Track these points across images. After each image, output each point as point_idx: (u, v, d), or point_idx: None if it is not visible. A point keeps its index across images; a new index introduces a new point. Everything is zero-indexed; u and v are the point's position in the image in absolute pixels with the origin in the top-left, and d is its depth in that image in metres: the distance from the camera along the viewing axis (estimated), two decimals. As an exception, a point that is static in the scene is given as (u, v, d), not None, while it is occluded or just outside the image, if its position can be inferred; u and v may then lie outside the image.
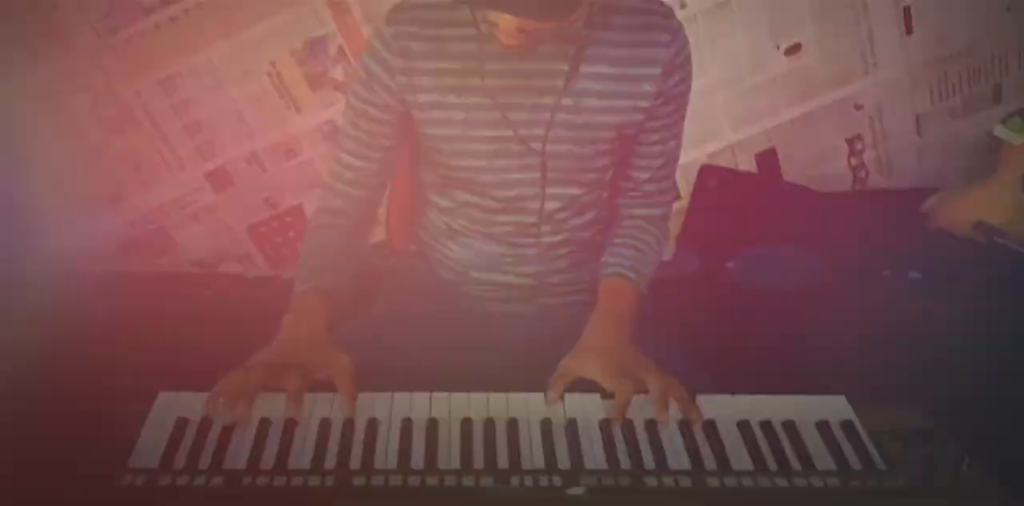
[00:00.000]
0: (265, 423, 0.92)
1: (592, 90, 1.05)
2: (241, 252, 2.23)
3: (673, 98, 1.10)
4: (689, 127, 2.09)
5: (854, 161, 2.24)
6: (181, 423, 0.91)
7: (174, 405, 0.94)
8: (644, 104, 1.07)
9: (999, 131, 1.92)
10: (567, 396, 0.97)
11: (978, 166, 2.13)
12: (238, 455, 0.87)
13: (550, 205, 1.13)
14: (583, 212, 1.17)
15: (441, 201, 1.19)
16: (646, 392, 0.95)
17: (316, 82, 1.97)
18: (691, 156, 2.14)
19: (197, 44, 1.91)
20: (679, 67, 1.08)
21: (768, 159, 2.22)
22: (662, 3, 1.08)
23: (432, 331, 1.17)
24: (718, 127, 2.14)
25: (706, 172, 1.95)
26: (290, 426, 0.91)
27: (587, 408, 0.95)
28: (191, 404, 0.94)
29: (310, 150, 2.07)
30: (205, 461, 0.86)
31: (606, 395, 0.96)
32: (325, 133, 2.04)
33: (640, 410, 0.95)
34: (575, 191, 1.13)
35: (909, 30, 2.03)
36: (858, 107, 2.16)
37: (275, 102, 1.99)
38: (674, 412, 0.94)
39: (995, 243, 1.86)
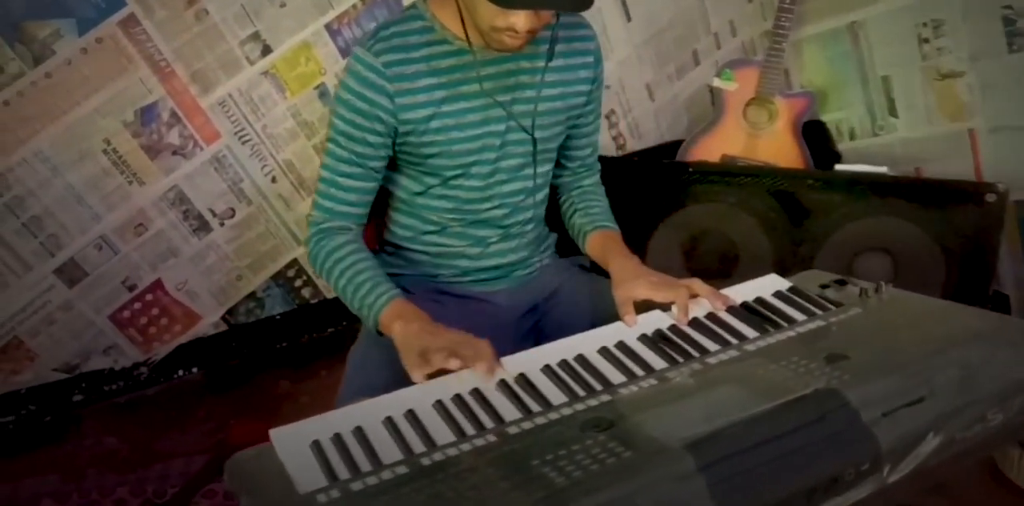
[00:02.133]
0: (390, 421, 0.97)
1: (548, 81, 1.21)
2: (107, 344, 2.06)
3: (601, 82, 1.30)
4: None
5: (613, 132, 2.59)
6: (316, 445, 0.94)
7: (292, 437, 0.95)
8: (585, 88, 1.25)
9: (716, 82, 2.34)
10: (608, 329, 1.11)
11: (698, 116, 2.58)
12: (389, 450, 0.92)
13: (523, 185, 1.27)
14: (543, 187, 1.33)
15: (427, 201, 1.26)
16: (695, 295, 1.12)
17: (153, 150, 1.89)
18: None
19: (22, 135, 1.75)
20: (601, 55, 1.28)
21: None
22: None
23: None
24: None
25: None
26: (412, 417, 0.97)
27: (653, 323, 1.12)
28: (308, 431, 0.96)
29: (160, 220, 1.98)
30: (364, 464, 0.90)
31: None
32: (171, 200, 1.96)
33: (659, 321, 1.13)
34: (540, 169, 1.29)
35: (629, 18, 2.41)
36: (607, 87, 2.51)
37: (116, 179, 1.89)
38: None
39: (740, 167, 2.28)
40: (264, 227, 2.10)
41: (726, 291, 1.20)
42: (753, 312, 1.15)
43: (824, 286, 1.20)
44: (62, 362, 2.02)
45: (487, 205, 1.27)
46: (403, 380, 1.03)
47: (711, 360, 1.02)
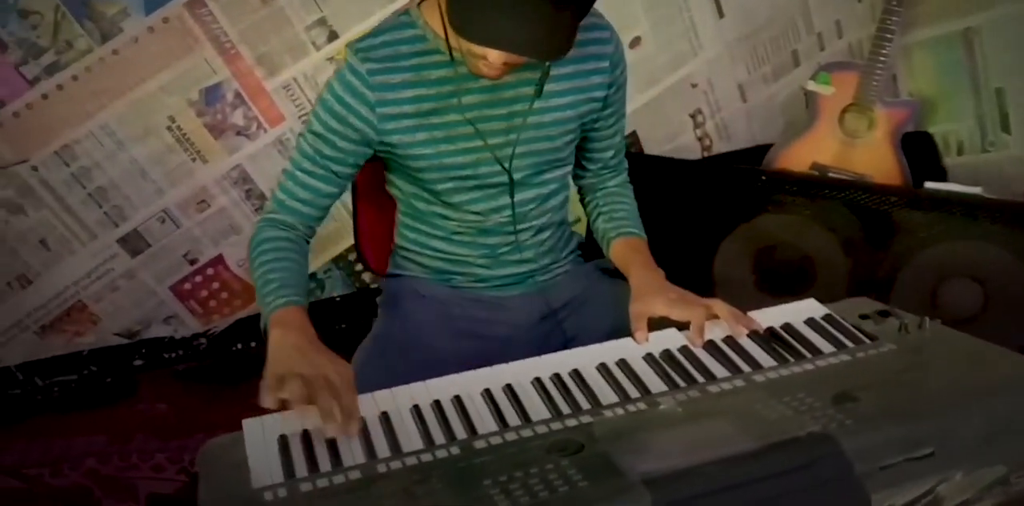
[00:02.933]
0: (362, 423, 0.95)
1: (555, 90, 1.16)
2: (167, 313, 2.16)
3: (621, 84, 1.24)
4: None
5: (699, 132, 2.49)
6: (283, 439, 0.94)
7: (264, 428, 0.96)
8: (599, 94, 1.20)
9: (811, 85, 2.21)
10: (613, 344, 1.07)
11: (794, 120, 2.45)
12: (353, 452, 0.91)
13: (533, 193, 1.23)
14: (559, 193, 1.28)
15: (432, 209, 1.24)
16: (713, 316, 1.07)
17: (217, 130, 1.96)
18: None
19: (90, 109, 1.85)
20: (621, 58, 1.22)
21: (633, 142, 2.44)
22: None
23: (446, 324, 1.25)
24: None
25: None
26: (387, 420, 0.96)
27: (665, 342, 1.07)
28: (279, 425, 0.95)
29: (222, 198, 2.04)
30: (325, 464, 0.89)
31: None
32: (234, 179, 2.02)
33: (671, 340, 1.07)
34: (549, 176, 1.24)
35: (721, 14, 2.31)
36: (693, 85, 2.42)
37: (180, 155, 1.96)
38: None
39: (831, 178, 2.15)
40: (326, 211, 2.14)
41: (755, 314, 1.12)
42: (777, 339, 1.07)
43: (864, 316, 1.11)
44: (123, 328, 2.13)
45: (494, 216, 1.23)
46: (399, 383, 1.01)
47: (712, 388, 0.96)
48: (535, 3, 0.93)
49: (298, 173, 1.17)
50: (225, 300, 2.20)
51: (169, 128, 1.92)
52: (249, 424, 0.96)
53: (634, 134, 2.40)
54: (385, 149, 1.16)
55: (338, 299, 2.28)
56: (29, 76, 1.78)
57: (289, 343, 1.00)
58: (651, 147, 2.44)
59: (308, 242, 1.21)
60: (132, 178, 1.95)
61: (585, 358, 1.05)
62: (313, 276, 2.23)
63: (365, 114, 1.12)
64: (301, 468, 0.89)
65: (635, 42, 2.25)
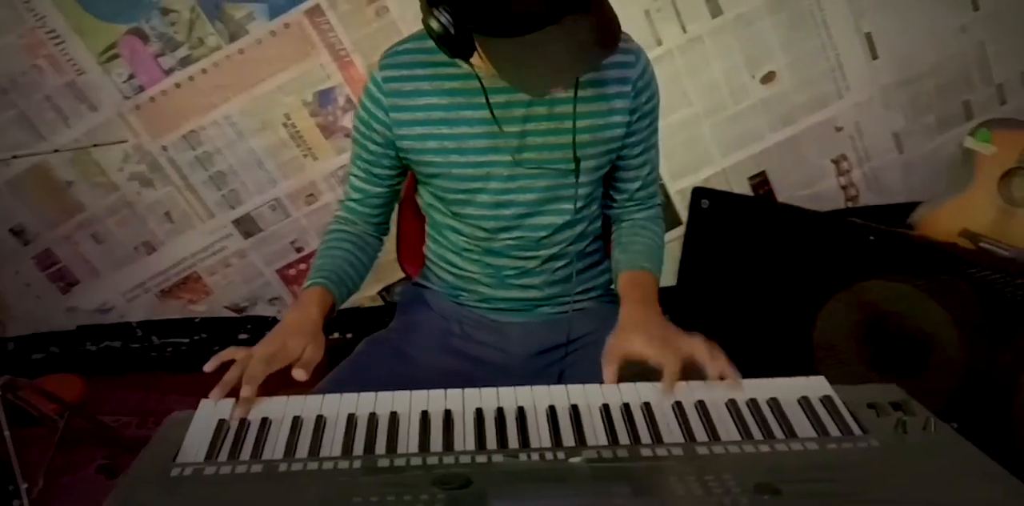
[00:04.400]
0: (298, 421, 1.00)
1: (570, 112, 1.14)
2: (272, 295, 2.33)
3: (646, 114, 1.21)
4: (682, 154, 2.22)
5: (843, 180, 2.33)
6: (221, 424, 1.00)
7: (215, 410, 1.03)
8: (619, 119, 1.17)
9: (969, 143, 2.00)
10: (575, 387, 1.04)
11: (961, 177, 2.22)
12: (275, 447, 0.96)
13: (546, 220, 1.22)
14: (577, 224, 1.26)
15: (446, 221, 1.28)
16: (691, 360, 1.02)
17: (328, 130, 2.10)
18: (688, 182, 2.24)
19: (215, 100, 2.05)
20: (647, 85, 1.19)
21: (761, 182, 2.33)
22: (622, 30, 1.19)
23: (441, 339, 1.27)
24: (709, 154, 2.25)
25: (698, 193, 2.03)
26: (320, 423, 1.00)
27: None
28: (228, 409, 1.02)
29: (328, 194, 2.19)
30: (246, 453, 0.95)
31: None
32: (340, 177, 2.16)
33: (637, 393, 1.03)
34: (566, 206, 1.22)
35: (874, 55, 2.14)
36: (838, 129, 2.26)
37: (292, 151, 2.12)
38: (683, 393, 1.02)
39: (981, 248, 1.93)
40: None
41: (751, 383, 1.05)
42: (755, 413, 0.99)
43: (872, 405, 1.00)
44: (232, 302, 2.33)
45: (503, 236, 1.23)
46: (371, 387, 1.05)
47: (645, 452, 0.91)
48: (561, 29, 0.93)
49: (350, 176, 1.29)
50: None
51: (284, 124, 2.08)
52: (204, 404, 1.04)
53: (763, 175, 2.29)
54: (403, 154, 1.21)
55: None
56: (165, 66, 2.01)
57: (284, 321, 1.12)
58: (784, 190, 2.31)
59: (375, 236, 1.32)
60: (249, 166, 2.13)
61: (540, 398, 1.03)
62: (408, 278, 2.31)
63: (382, 118, 1.17)
64: (224, 453, 0.95)
65: (768, 77, 2.15)
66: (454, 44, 0.99)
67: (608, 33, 0.97)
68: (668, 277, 2.10)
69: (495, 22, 0.95)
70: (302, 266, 2.30)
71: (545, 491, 0.84)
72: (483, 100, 1.12)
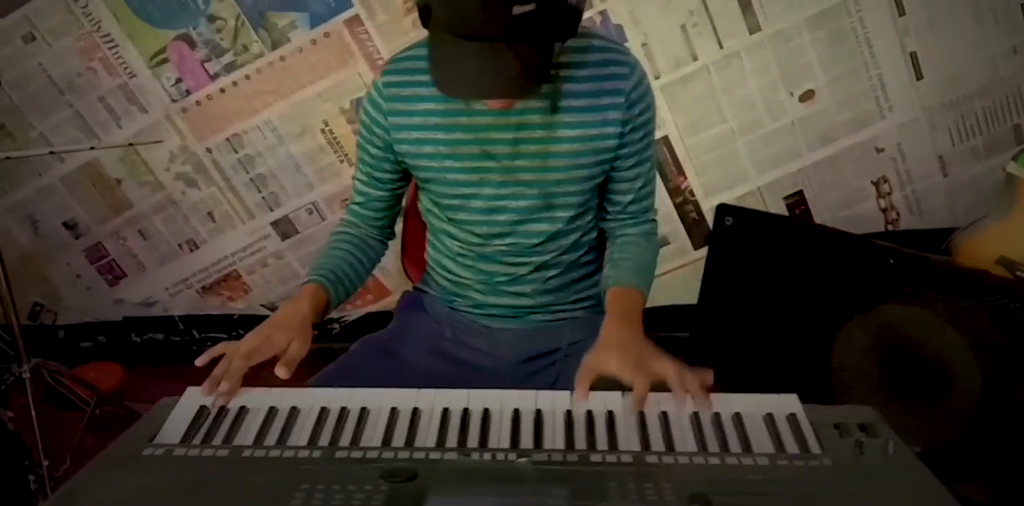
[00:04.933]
0: (273, 411, 1.05)
1: (564, 122, 1.18)
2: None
3: (640, 126, 1.22)
4: (716, 171, 2.22)
5: (883, 203, 2.28)
6: (202, 410, 1.06)
7: (199, 397, 1.09)
8: (612, 129, 1.19)
9: (1012, 168, 1.94)
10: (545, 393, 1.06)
11: (1003, 204, 2.15)
12: (246, 434, 1.01)
13: (538, 227, 1.25)
14: (570, 234, 1.28)
15: (442, 226, 1.32)
16: (662, 381, 1.03)
17: (364, 138, 2.18)
18: (722, 200, 2.23)
19: (257, 105, 2.14)
20: (640, 97, 1.20)
21: (797, 202, 2.30)
22: (619, 43, 1.22)
23: (433, 343, 1.31)
24: (744, 171, 2.24)
25: (722, 210, 2.02)
26: (294, 414, 1.05)
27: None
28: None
29: (362, 199, 2.26)
30: (219, 439, 1.00)
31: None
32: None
33: (603, 403, 1.05)
34: (559, 214, 1.25)
35: (919, 75, 2.10)
36: (879, 150, 2.22)
37: (330, 156, 2.20)
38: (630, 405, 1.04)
39: (1018, 277, 1.87)
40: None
41: (719, 397, 1.05)
42: (717, 426, 1.00)
43: (838, 426, 0.99)
44: (269, 301, 2.43)
45: (496, 242, 1.26)
46: (357, 384, 1.10)
47: (596, 458, 0.93)
48: (493, 49, 0.98)
49: (355, 180, 1.34)
50: (358, 293, 2.41)
51: (322, 130, 2.17)
52: (190, 391, 1.10)
53: (800, 194, 2.27)
54: (401, 158, 1.26)
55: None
56: (211, 71, 2.12)
57: (274, 315, 1.18)
58: (822, 211, 2.28)
59: (378, 239, 1.37)
60: (288, 170, 2.22)
61: (508, 401, 1.05)
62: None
63: (382, 122, 1.22)
64: (199, 437, 1.00)
65: (807, 95, 2.13)
66: (424, 18, 1.05)
67: (531, 73, 1.01)
68: (691, 295, 2.09)
69: (440, 13, 1.01)
70: (338, 268, 2.38)
71: (484, 489, 0.86)
72: (478, 107, 1.16)
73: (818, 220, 2.30)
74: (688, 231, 2.34)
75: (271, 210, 2.28)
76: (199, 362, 1.11)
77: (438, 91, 1.03)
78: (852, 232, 2.02)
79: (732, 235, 2.02)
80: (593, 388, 1.06)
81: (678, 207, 2.31)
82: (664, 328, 2.43)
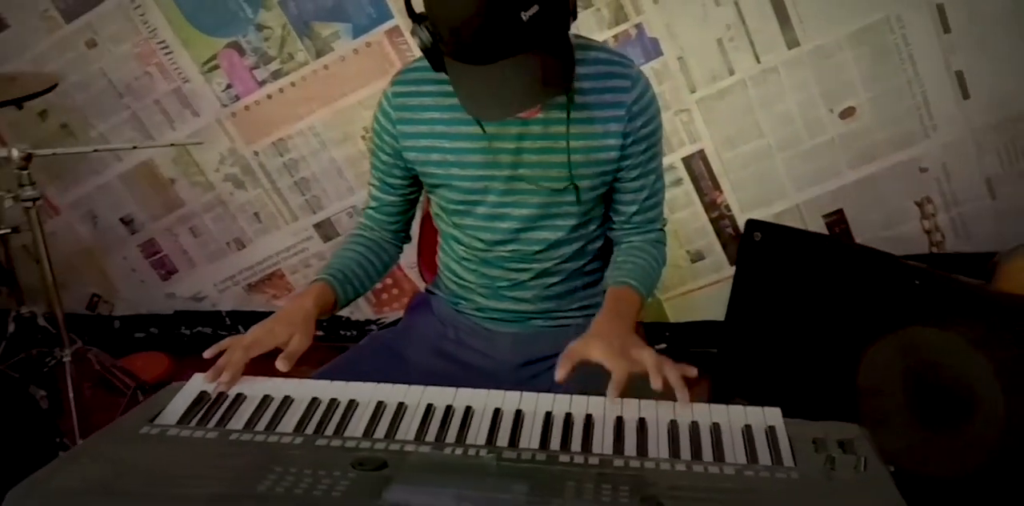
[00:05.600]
0: (267, 399, 1.10)
1: (563, 132, 1.19)
2: (347, 297, 2.49)
3: (643, 138, 1.23)
4: (753, 187, 2.20)
5: (927, 224, 2.22)
6: (202, 396, 1.11)
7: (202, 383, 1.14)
8: (613, 141, 1.21)
9: (1060, 191, 1.88)
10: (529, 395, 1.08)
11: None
12: (239, 419, 1.05)
13: (541, 235, 1.27)
14: (573, 242, 1.30)
15: (449, 231, 1.35)
16: (644, 371, 1.04)
17: (403, 145, 2.23)
18: (759, 215, 2.20)
19: (302, 112, 2.22)
20: (643, 110, 1.21)
21: (837, 220, 2.26)
22: (622, 55, 1.24)
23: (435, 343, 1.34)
24: (782, 187, 2.21)
25: (751, 225, 2.00)
26: (286, 403, 1.09)
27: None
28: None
29: (399, 205, 2.32)
30: (213, 422, 1.05)
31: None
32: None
33: (585, 405, 1.06)
34: (561, 222, 1.27)
35: (966, 94, 2.04)
36: (923, 169, 2.16)
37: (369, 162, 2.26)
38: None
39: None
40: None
41: (702, 407, 1.05)
42: (694, 435, 1.00)
43: (816, 441, 0.98)
44: (325, 318, 2.49)
45: (499, 248, 1.29)
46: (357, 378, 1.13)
47: (564, 458, 0.95)
48: (515, 62, 1.01)
49: (369, 185, 1.39)
50: (395, 296, 2.47)
51: (363, 137, 2.23)
52: (196, 377, 1.16)
53: (840, 213, 2.22)
54: (410, 165, 1.29)
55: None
56: (259, 78, 2.20)
57: (279, 310, 1.22)
58: (862, 231, 2.23)
59: (392, 243, 1.41)
60: (330, 175, 2.29)
61: (492, 401, 1.08)
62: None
63: (391, 130, 1.27)
64: (195, 420, 1.05)
65: (847, 112, 2.09)
66: (433, 58, 1.07)
67: (556, 74, 1.03)
68: (716, 312, 2.07)
69: (454, 47, 1.04)
70: (375, 272, 2.44)
71: (446, 481, 0.88)
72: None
73: (859, 240, 2.25)
74: (723, 246, 2.32)
75: (314, 213, 2.35)
76: (207, 354, 1.16)
77: (484, 119, 1.10)
78: (894, 253, 1.98)
79: (761, 251, 2.00)
80: (584, 392, 1.08)
81: (714, 222, 2.29)
82: (698, 344, 2.42)
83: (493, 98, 1.04)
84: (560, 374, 1.06)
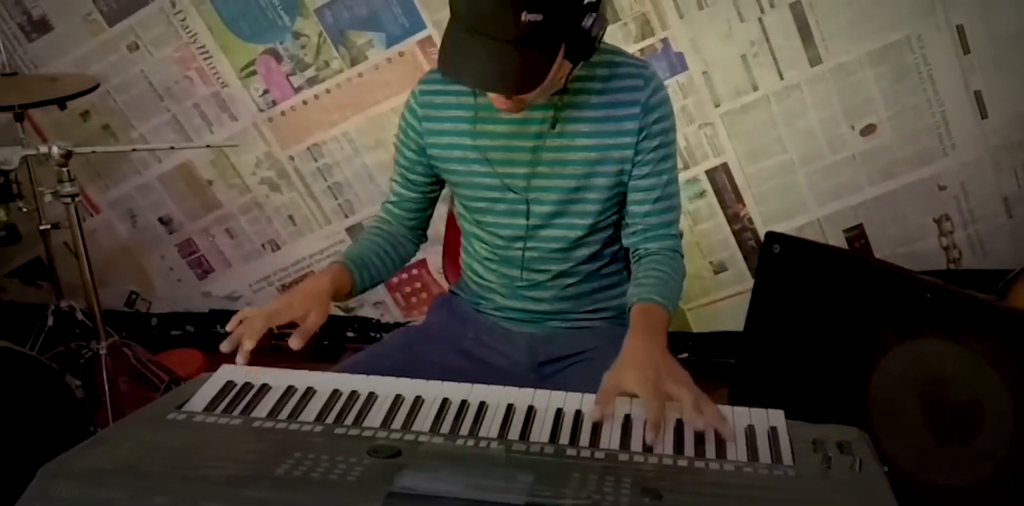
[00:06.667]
0: (290, 389, 1.13)
1: (581, 131, 1.23)
2: (377, 299, 2.53)
3: (655, 134, 1.24)
4: (775, 200, 2.21)
5: (944, 241, 2.22)
6: (228, 385, 1.15)
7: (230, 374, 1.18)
8: (628, 139, 1.23)
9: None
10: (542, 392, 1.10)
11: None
12: (263, 407, 1.09)
13: (559, 233, 1.30)
14: (591, 244, 1.32)
15: (471, 229, 1.39)
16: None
17: (433, 152, 2.28)
18: (780, 229, 2.20)
19: (336, 118, 2.27)
20: (657, 106, 1.23)
21: (857, 235, 2.26)
22: (635, 57, 1.27)
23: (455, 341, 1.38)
24: (803, 202, 2.22)
25: (770, 237, 2.00)
26: (308, 393, 1.12)
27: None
28: (239, 374, 1.17)
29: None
30: (238, 410, 1.09)
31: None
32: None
33: (591, 404, 1.07)
34: (579, 221, 1.29)
35: (984, 114, 2.04)
36: (941, 187, 2.16)
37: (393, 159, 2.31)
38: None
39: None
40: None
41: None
42: (699, 433, 1.02)
43: (815, 442, 1.00)
44: (342, 302, 2.55)
45: (518, 245, 1.31)
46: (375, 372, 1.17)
47: (571, 452, 0.97)
48: (499, 47, 1.04)
49: (391, 180, 1.43)
50: (424, 299, 2.50)
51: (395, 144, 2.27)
52: (224, 368, 1.20)
53: (860, 228, 2.23)
54: (433, 162, 1.33)
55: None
56: (295, 84, 2.26)
57: (297, 286, 1.25)
58: (882, 246, 2.24)
59: (409, 239, 1.44)
60: (362, 180, 2.34)
61: (504, 397, 1.10)
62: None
63: (416, 126, 1.31)
64: (220, 407, 1.09)
65: (868, 129, 2.10)
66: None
67: (526, 74, 1.06)
68: (738, 323, 2.08)
69: (458, 7, 1.07)
70: (403, 275, 2.48)
71: (455, 469, 0.91)
72: (500, 115, 1.22)
73: (878, 255, 2.25)
74: (745, 258, 2.33)
75: (346, 217, 2.40)
76: (229, 327, 1.19)
77: (443, 75, 1.10)
78: (911, 269, 1.98)
79: (779, 263, 2.01)
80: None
81: (736, 234, 2.30)
82: (718, 354, 2.43)
83: (460, 59, 1.07)
84: (599, 413, 1.01)
